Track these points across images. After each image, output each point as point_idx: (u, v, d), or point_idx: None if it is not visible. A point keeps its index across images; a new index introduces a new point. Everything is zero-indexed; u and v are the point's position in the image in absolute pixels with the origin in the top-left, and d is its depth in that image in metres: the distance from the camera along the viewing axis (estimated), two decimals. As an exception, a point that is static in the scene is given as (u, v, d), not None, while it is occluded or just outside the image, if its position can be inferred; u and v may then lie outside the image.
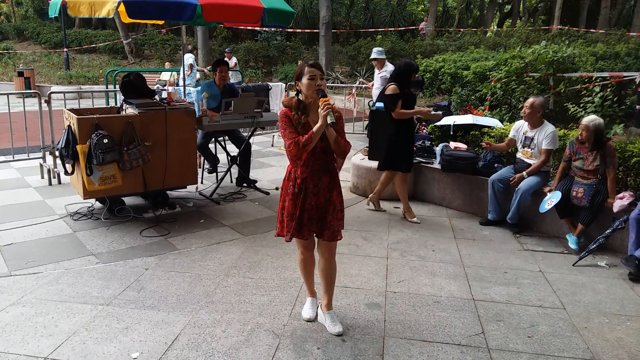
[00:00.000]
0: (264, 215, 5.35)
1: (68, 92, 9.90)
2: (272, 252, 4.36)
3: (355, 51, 18.06)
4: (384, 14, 23.26)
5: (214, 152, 6.52)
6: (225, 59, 12.06)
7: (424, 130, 6.93)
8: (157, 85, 13.05)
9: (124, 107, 5.24)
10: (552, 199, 4.64)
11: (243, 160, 6.30)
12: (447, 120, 6.33)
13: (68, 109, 5.03)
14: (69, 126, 4.80)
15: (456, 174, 5.65)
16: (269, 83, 10.55)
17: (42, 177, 6.45)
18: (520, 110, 7.53)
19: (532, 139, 4.99)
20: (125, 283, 3.73)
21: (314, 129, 2.85)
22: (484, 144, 5.31)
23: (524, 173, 4.95)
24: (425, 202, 5.86)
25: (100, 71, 18.92)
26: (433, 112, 5.52)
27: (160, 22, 7.62)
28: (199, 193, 6.03)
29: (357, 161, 6.31)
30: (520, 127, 5.15)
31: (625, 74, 7.93)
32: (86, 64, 20.87)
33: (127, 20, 5.78)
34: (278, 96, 10.10)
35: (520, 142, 5.13)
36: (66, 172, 5.12)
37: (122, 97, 5.30)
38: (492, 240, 4.88)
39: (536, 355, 2.99)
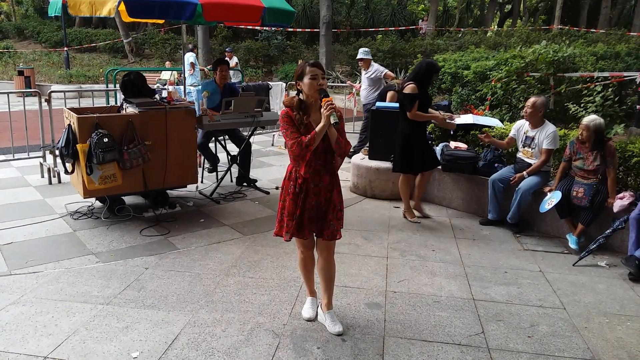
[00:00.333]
0: (264, 215, 5.35)
1: (68, 91, 9.87)
2: (272, 252, 4.36)
3: (356, 51, 18.01)
4: (384, 13, 23.26)
5: (214, 151, 6.52)
6: (226, 58, 12.06)
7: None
8: (157, 85, 13.04)
9: (124, 106, 5.24)
10: (552, 199, 4.64)
11: (243, 159, 6.30)
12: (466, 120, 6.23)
13: (68, 108, 5.03)
14: (69, 125, 4.80)
15: (456, 173, 5.65)
16: (269, 82, 10.56)
17: (42, 176, 6.45)
18: (520, 110, 7.53)
19: (533, 138, 4.99)
20: (125, 282, 3.73)
21: (317, 129, 2.85)
22: (481, 136, 5.27)
23: (524, 173, 4.95)
24: (425, 201, 5.86)
25: (101, 70, 18.93)
26: (448, 121, 5.31)
27: (161, 21, 7.61)
28: (199, 192, 6.03)
29: (357, 161, 6.31)
30: (521, 127, 5.14)
31: (625, 73, 7.92)
32: (86, 63, 20.87)
33: (127, 19, 5.78)
34: (278, 95, 10.10)
35: (521, 142, 5.13)
36: (66, 171, 5.11)
37: (123, 96, 5.30)
38: (492, 240, 4.88)
39: (536, 355, 2.99)
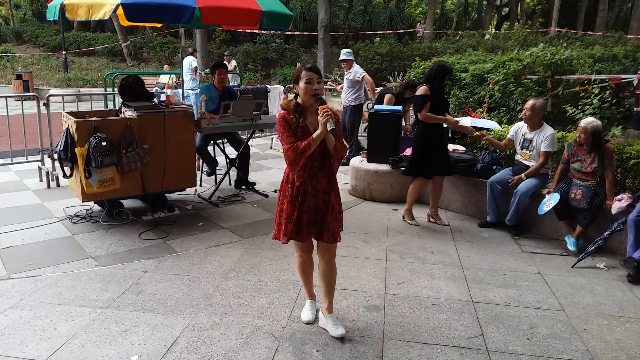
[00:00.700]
0: (263, 218, 5.35)
1: (67, 95, 9.87)
2: (271, 255, 4.36)
3: (354, 54, 18.07)
4: (382, 16, 23.31)
5: (212, 154, 6.53)
6: (224, 61, 12.07)
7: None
8: (156, 88, 13.05)
9: (122, 110, 5.24)
10: (550, 201, 4.65)
11: (242, 162, 6.30)
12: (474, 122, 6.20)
13: (67, 112, 5.03)
14: (68, 129, 4.80)
15: (455, 176, 5.66)
16: (267, 86, 10.57)
17: (41, 180, 6.44)
18: (518, 113, 7.55)
19: (531, 140, 5.00)
20: (124, 286, 3.73)
21: (314, 135, 2.85)
22: (477, 133, 5.24)
23: (523, 175, 4.96)
24: (424, 204, 5.86)
25: (99, 74, 18.94)
26: (461, 124, 5.22)
27: (159, 25, 7.62)
28: (198, 196, 6.02)
29: (355, 163, 6.32)
30: (519, 129, 5.15)
31: (623, 76, 7.95)
32: (85, 66, 20.89)
33: (125, 23, 5.78)
34: (277, 99, 10.12)
35: (519, 144, 5.14)
36: (65, 175, 5.11)
37: (121, 100, 5.30)
38: (490, 242, 4.88)
39: (535, 357, 2.99)
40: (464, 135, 6.18)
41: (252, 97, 6.58)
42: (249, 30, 19.55)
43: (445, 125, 5.32)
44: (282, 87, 10.52)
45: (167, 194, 5.56)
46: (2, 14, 30.31)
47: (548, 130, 4.94)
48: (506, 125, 6.46)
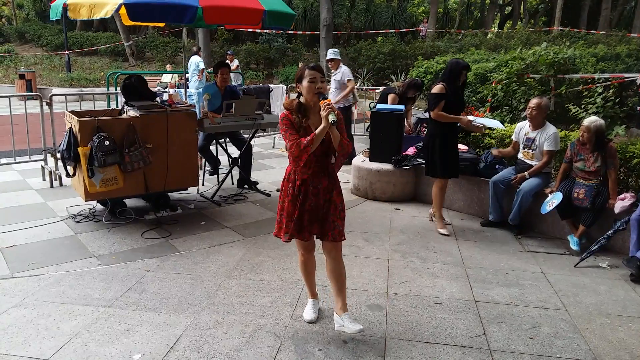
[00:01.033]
0: (265, 217, 5.35)
1: (69, 95, 9.88)
2: (274, 254, 4.36)
3: (356, 53, 18.08)
4: (384, 15, 23.29)
5: (215, 154, 6.53)
6: (227, 61, 12.08)
7: (425, 132, 6.92)
8: (158, 88, 13.07)
9: (125, 110, 5.25)
10: (553, 200, 4.64)
11: (244, 162, 6.31)
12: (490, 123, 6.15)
13: (69, 111, 5.04)
14: (71, 128, 4.81)
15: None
16: (270, 85, 10.56)
17: (44, 179, 6.46)
18: (521, 112, 7.53)
19: (534, 140, 4.99)
20: (126, 285, 3.73)
21: (317, 131, 2.85)
22: (494, 151, 5.22)
23: (526, 173, 4.95)
24: (427, 203, 5.85)
25: (102, 73, 18.97)
26: (474, 124, 5.06)
27: (162, 25, 7.62)
28: (200, 195, 6.03)
29: (358, 162, 6.32)
30: (521, 129, 5.15)
31: (626, 75, 7.92)
32: (87, 66, 20.93)
33: (128, 22, 5.80)
34: (279, 98, 10.12)
35: (522, 143, 5.13)
36: (67, 174, 5.13)
37: (124, 100, 5.31)
38: (493, 241, 4.87)
39: (538, 357, 2.99)
40: (467, 134, 6.17)
41: (254, 97, 6.58)
42: (251, 30, 19.58)
43: (459, 125, 5.17)
44: (285, 87, 10.52)
45: (169, 193, 5.57)
46: (5, 13, 30.39)
47: (551, 129, 4.93)
48: (509, 125, 6.44)
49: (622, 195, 4.48)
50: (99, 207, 5.35)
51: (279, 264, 4.16)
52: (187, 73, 10.76)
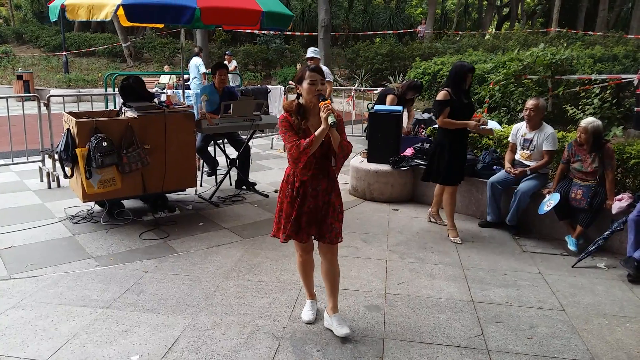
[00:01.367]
0: (263, 218, 5.35)
1: (67, 96, 9.87)
2: (272, 255, 4.36)
3: (354, 54, 18.07)
4: (382, 16, 23.31)
5: (213, 154, 6.53)
6: (225, 62, 12.08)
7: (423, 133, 6.94)
8: (156, 89, 13.06)
9: (123, 110, 5.25)
10: (550, 201, 4.65)
11: (242, 163, 6.30)
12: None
13: (67, 112, 5.04)
14: (68, 129, 4.80)
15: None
16: (267, 86, 10.57)
17: (42, 181, 6.45)
18: (519, 113, 7.55)
19: (531, 140, 5.00)
20: (124, 286, 3.73)
21: (316, 132, 2.85)
22: (514, 172, 4.99)
23: (527, 170, 4.95)
24: (425, 204, 5.87)
25: (100, 74, 18.96)
26: (483, 127, 4.84)
27: (160, 26, 7.59)
28: (199, 196, 6.03)
29: (356, 164, 6.32)
30: (518, 130, 5.16)
31: (623, 76, 7.96)
32: (85, 67, 20.90)
33: (126, 23, 5.79)
34: (277, 99, 10.13)
35: (519, 144, 5.14)
36: (65, 175, 5.12)
37: (121, 100, 5.31)
38: (491, 242, 4.88)
39: (536, 357, 2.99)
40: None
41: (252, 98, 6.59)
42: (249, 31, 19.57)
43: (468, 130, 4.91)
44: (283, 88, 10.53)
45: (167, 194, 5.57)
46: (2, 14, 30.34)
47: (548, 129, 4.94)
48: (506, 126, 6.46)
49: (619, 196, 4.49)
50: (97, 208, 5.34)
51: (277, 265, 4.16)
52: (187, 74, 10.78)
